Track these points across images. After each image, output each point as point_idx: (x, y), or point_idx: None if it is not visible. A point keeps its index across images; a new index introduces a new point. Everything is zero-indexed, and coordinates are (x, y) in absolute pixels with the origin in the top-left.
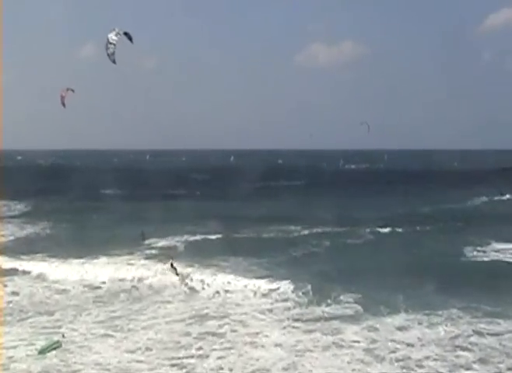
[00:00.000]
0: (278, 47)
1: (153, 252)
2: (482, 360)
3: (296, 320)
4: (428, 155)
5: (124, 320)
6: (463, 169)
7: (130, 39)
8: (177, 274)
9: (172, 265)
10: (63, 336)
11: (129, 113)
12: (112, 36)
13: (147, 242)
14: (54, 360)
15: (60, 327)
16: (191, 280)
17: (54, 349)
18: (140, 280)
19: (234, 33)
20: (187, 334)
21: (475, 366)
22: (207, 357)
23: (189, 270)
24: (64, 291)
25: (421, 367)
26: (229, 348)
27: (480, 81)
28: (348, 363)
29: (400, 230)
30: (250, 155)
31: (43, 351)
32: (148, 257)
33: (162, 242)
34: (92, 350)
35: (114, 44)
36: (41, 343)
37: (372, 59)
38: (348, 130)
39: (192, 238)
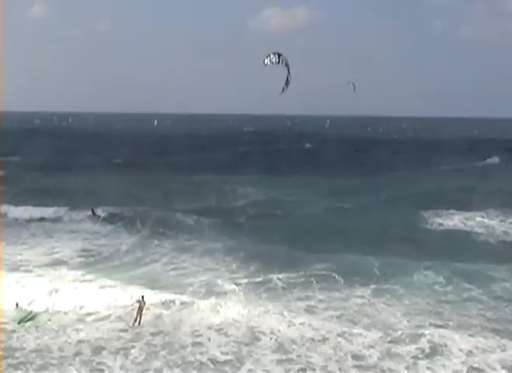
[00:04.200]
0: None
1: None
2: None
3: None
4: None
5: None
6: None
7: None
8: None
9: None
10: (17, 305)
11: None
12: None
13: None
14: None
15: None
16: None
17: (30, 320)
18: None
19: None
20: None
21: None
22: None
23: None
24: None
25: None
26: None
27: (431, 49)
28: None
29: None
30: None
31: (21, 322)
32: None
33: None
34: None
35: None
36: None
37: (324, 24)
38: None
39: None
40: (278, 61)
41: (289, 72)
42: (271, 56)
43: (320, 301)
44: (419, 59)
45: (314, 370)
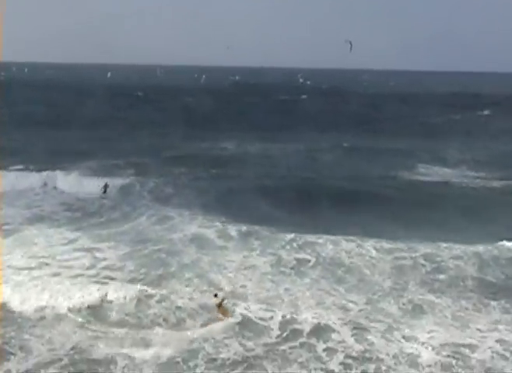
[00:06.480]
0: None
1: None
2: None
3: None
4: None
5: None
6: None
7: None
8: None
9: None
10: None
11: None
12: None
13: None
14: None
15: None
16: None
17: None
18: None
19: None
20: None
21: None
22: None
23: None
24: None
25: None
26: None
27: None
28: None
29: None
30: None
31: None
32: None
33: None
34: None
35: None
36: None
37: None
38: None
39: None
40: None
41: None
42: None
43: (309, 254)
44: (394, 10)
45: (306, 319)
